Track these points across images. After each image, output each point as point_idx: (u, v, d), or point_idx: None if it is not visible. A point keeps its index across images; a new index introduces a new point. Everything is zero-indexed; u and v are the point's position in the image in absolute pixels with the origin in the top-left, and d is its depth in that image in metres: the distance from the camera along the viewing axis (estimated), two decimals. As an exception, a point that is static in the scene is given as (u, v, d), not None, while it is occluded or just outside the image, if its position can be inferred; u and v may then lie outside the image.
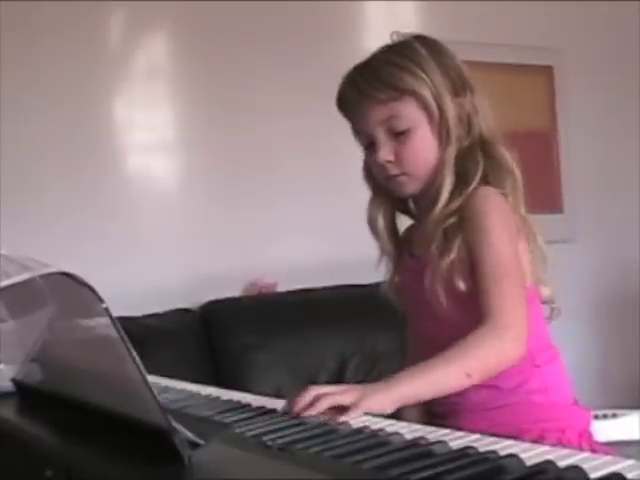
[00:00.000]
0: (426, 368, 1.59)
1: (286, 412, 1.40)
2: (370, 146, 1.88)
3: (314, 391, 1.43)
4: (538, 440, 1.60)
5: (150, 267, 3.78)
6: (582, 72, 4.88)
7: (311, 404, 1.39)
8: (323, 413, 1.38)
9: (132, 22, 3.96)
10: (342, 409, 1.40)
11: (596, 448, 1.76)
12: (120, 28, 3.98)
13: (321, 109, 4.05)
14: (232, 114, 4.04)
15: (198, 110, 4.02)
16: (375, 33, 3.93)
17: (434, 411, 1.92)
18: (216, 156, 4.01)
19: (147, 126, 3.92)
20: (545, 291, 1.90)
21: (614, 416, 3.68)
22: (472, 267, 1.74)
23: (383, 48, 1.88)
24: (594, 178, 4.91)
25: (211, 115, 4.02)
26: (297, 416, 1.36)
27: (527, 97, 4.73)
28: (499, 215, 1.78)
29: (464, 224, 1.77)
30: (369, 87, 1.82)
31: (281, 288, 3.93)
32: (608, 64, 4.96)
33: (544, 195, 4.62)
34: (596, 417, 3.56)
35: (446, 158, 1.82)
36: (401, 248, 1.98)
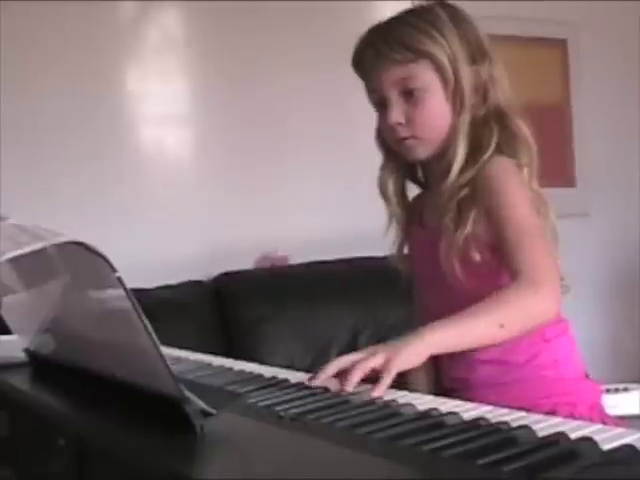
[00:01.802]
0: (458, 318, 1.55)
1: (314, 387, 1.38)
2: (382, 108, 1.86)
3: (340, 362, 1.42)
4: (550, 414, 1.59)
5: (163, 239, 3.79)
6: (596, 46, 4.85)
7: (344, 378, 1.37)
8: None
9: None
10: (375, 372, 1.39)
11: (607, 421, 1.76)
12: (134, 1, 3.97)
13: (336, 81, 4.06)
14: (246, 86, 4.03)
15: (212, 82, 4.02)
16: (385, 7, 3.92)
17: (445, 387, 1.92)
18: (230, 129, 4.01)
19: (161, 98, 3.92)
20: None
21: (625, 390, 3.69)
22: (492, 234, 1.72)
23: (404, 11, 1.86)
24: (607, 152, 4.89)
25: (225, 87, 4.01)
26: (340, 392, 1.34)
27: (541, 70, 4.70)
28: (515, 179, 1.77)
29: (479, 194, 1.75)
30: (386, 47, 1.80)
31: (293, 261, 3.93)
32: (622, 38, 4.93)
33: (557, 169, 4.61)
34: (607, 391, 3.57)
35: (460, 125, 1.80)
36: (410, 216, 1.97)
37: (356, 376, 1.36)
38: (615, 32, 4.92)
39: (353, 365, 1.39)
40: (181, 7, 4.06)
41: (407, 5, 1.88)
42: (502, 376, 1.82)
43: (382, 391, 1.34)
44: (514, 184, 1.76)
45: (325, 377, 1.39)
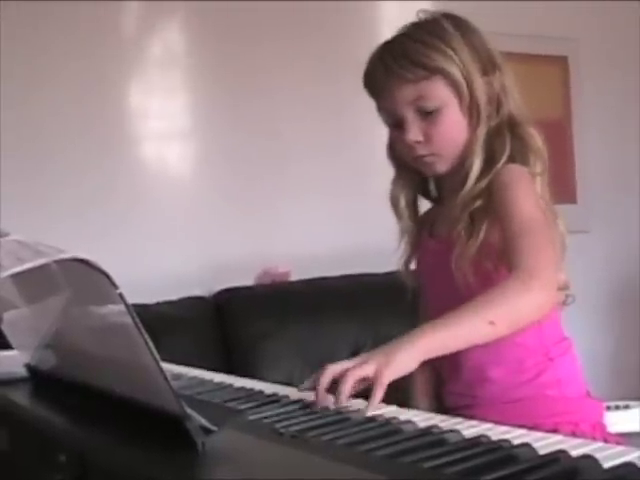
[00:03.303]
0: (449, 319, 1.53)
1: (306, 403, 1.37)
2: (397, 125, 1.85)
3: (332, 371, 1.40)
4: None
5: (164, 254, 3.79)
6: (597, 62, 4.86)
7: (335, 390, 1.36)
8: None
9: (148, 10, 3.95)
10: (367, 380, 1.38)
11: (609, 439, 1.76)
12: (136, 16, 3.98)
13: (339, 97, 4.07)
14: (248, 102, 4.03)
15: (214, 98, 4.02)
16: (390, 23, 3.93)
17: (447, 406, 1.91)
18: (230, 144, 4.01)
19: (162, 113, 3.93)
20: (561, 277, 1.87)
21: (626, 407, 3.68)
22: (500, 232, 1.71)
23: (411, 25, 1.85)
24: (608, 168, 4.89)
25: (226, 103, 4.01)
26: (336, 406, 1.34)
27: (542, 87, 4.70)
28: (527, 184, 1.76)
29: (491, 202, 1.74)
30: (397, 66, 1.79)
31: (294, 277, 3.93)
32: (623, 54, 4.94)
33: (558, 185, 4.55)
34: (608, 408, 3.56)
35: (477, 138, 1.80)
36: (420, 230, 1.97)
37: (347, 387, 1.35)
38: (616, 49, 4.93)
39: (344, 374, 1.38)
40: (183, 22, 4.07)
41: (406, 17, 1.88)
42: (504, 395, 1.81)
43: (375, 407, 1.33)
44: (525, 186, 1.76)
45: (323, 394, 1.37)
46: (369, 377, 1.38)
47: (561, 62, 4.85)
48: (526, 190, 1.75)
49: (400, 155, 1.91)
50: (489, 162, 1.79)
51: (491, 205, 1.75)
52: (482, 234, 1.74)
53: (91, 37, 3.75)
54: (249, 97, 4.04)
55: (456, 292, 1.75)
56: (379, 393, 1.35)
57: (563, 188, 4.69)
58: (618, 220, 4.87)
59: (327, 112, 4.13)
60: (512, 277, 1.60)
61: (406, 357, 1.44)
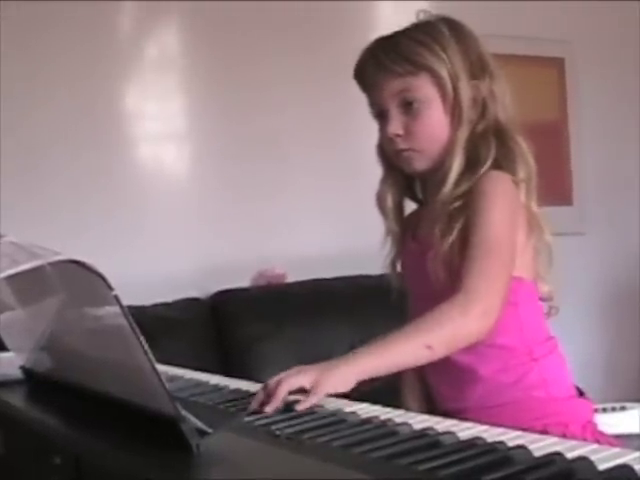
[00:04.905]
0: (386, 342, 1.57)
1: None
2: (382, 119, 1.87)
3: (271, 383, 1.43)
4: (541, 435, 1.58)
5: (160, 256, 3.78)
6: (593, 64, 4.86)
7: (269, 396, 1.38)
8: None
9: (144, 12, 3.95)
10: (304, 390, 1.40)
11: (600, 439, 1.75)
12: (132, 18, 3.98)
13: (333, 99, 4.07)
14: (243, 104, 4.03)
15: (209, 100, 4.02)
16: (385, 23, 3.93)
17: (437, 408, 1.91)
18: (226, 146, 4.00)
19: (158, 116, 3.92)
20: (544, 288, 1.88)
21: (622, 409, 3.68)
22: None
23: (408, 25, 1.88)
24: (604, 170, 4.89)
25: (222, 105, 4.01)
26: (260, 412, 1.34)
27: (538, 89, 4.71)
28: (504, 197, 1.77)
29: (469, 206, 1.75)
30: (387, 59, 1.82)
31: (290, 279, 3.92)
32: (619, 56, 4.94)
33: (554, 187, 4.60)
34: (605, 410, 3.56)
35: (457, 139, 1.81)
36: (405, 231, 1.97)
37: (281, 392, 1.38)
38: (612, 51, 4.92)
39: (280, 381, 1.41)
40: (180, 26, 4.06)
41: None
42: (492, 398, 1.81)
43: (305, 408, 1.35)
44: (502, 202, 1.76)
45: (279, 401, 1.38)
46: (305, 387, 1.41)
47: (557, 64, 4.85)
48: (502, 205, 1.75)
49: (387, 154, 1.92)
50: (473, 165, 1.80)
51: (469, 207, 1.76)
52: (454, 235, 1.75)
53: (88, 39, 3.74)
54: (245, 99, 4.04)
55: (433, 292, 1.75)
56: (313, 400, 1.37)
57: (559, 190, 4.70)
58: (614, 222, 4.87)
59: (323, 114, 4.13)
60: (453, 299, 1.63)
61: (342, 378, 1.47)
